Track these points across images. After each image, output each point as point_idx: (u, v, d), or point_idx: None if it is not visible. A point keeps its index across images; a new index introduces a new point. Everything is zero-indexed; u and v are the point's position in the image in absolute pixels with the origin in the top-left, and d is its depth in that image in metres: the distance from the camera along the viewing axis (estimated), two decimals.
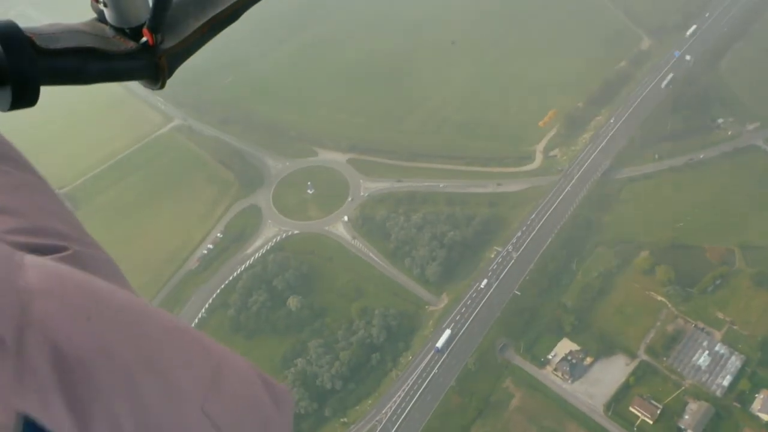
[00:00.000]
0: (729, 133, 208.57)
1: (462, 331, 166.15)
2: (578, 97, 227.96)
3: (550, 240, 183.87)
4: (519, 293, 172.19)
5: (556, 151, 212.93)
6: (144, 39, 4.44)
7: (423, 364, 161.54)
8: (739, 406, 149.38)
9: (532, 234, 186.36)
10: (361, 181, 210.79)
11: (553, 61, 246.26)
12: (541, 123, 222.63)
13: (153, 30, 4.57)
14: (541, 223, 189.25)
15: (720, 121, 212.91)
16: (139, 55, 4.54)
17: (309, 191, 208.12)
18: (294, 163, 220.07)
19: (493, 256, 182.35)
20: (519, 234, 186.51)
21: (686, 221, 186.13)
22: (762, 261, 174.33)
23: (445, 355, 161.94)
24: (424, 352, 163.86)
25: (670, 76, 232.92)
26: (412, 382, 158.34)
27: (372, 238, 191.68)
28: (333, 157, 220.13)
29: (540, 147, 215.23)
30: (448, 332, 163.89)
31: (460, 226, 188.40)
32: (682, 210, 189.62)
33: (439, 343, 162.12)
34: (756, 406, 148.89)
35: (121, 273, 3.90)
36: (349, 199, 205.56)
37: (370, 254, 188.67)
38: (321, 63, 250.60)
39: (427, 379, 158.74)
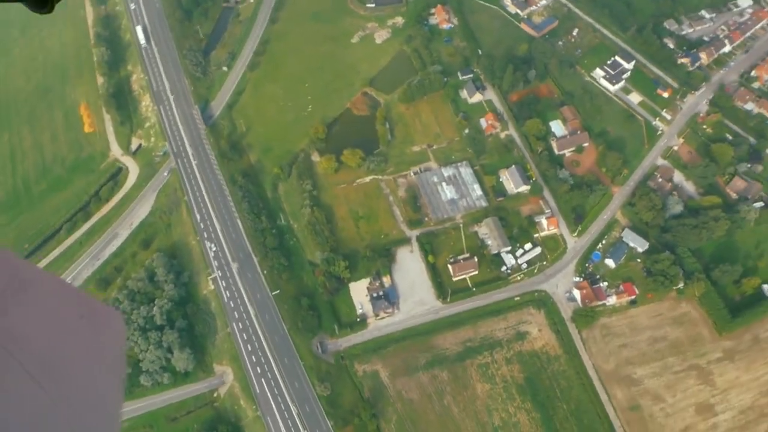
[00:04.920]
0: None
1: (278, 377, 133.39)
2: (88, 70, 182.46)
3: (239, 221, 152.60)
4: (277, 291, 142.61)
5: (136, 141, 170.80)
6: None
7: None
8: (502, 198, 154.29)
9: (218, 229, 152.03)
10: None
11: (28, 50, 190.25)
12: (88, 128, 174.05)
13: None
14: (210, 210, 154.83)
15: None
16: None
17: None
18: None
19: (213, 287, 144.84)
20: (210, 246, 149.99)
21: (308, 101, 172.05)
22: (382, 83, 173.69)
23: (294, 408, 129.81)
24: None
25: None
26: None
27: None
28: None
29: (116, 150, 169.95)
30: None
31: (147, 288, 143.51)
32: (295, 94, 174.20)
33: None
34: (509, 187, 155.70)
35: None
36: None
37: None
38: None
39: None
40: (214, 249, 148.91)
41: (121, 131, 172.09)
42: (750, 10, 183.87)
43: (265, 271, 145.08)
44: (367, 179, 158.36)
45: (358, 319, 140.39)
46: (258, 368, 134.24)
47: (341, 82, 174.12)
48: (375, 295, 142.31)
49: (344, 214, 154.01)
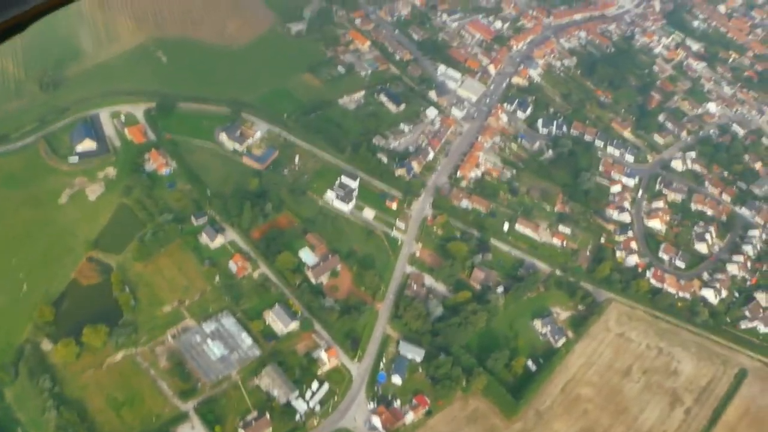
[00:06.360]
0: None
1: None
2: None
3: None
4: None
5: None
6: None
7: None
8: (274, 341, 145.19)
9: None
10: None
11: None
12: None
13: None
14: None
15: None
16: None
17: None
18: None
19: None
20: None
21: (21, 279, 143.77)
22: (108, 243, 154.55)
23: None
24: None
25: None
26: None
27: None
28: None
29: None
30: None
31: None
32: (1, 274, 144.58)
33: None
34: (278, 327, 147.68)
35: None
36: None
37: None
38: None
39: None
40: None
41: None
42: (439, 119, 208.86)
43: None
44: (119, 357, 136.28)
45: None
46: None
47: (58, 249, 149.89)
48: None
49: (101, 405, 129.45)
